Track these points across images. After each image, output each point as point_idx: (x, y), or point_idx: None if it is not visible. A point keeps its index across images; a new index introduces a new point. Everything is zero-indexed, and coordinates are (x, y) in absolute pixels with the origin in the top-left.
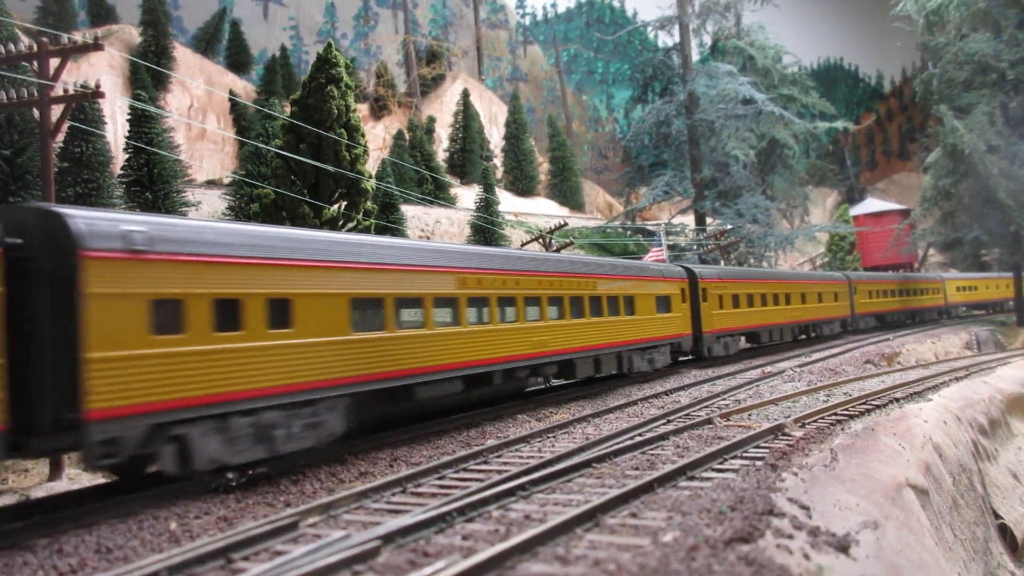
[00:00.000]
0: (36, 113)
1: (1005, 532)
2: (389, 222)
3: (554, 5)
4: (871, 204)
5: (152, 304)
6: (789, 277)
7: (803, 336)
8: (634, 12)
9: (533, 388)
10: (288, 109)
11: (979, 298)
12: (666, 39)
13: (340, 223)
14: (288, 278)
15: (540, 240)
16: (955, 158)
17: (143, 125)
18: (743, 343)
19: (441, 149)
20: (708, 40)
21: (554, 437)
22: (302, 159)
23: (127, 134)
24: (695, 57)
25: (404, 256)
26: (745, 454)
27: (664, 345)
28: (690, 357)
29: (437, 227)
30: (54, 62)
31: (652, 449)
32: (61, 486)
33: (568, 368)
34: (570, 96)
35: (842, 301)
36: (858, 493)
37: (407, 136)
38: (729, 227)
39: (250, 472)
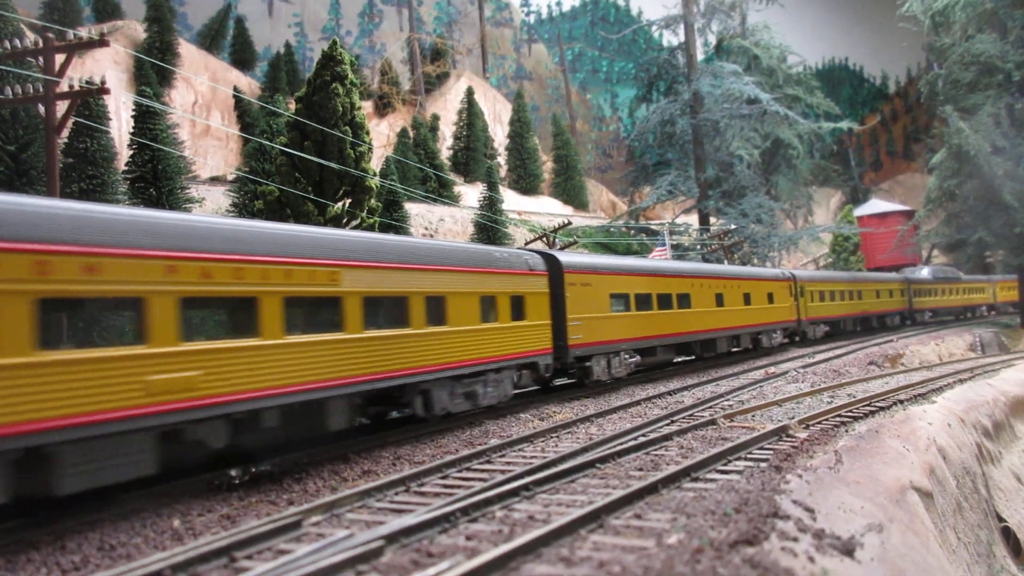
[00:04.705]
0: (41, 109)
1: (1008, 535)
2: (393, 220)
3: (559, 3)
4: (875, 205)
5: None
6: (861, 279)
7: (871, 326)
8: (639, 11)
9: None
10: (292, 106)
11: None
12: (671, 38)
13: (344, 221)
14: (628, 283)
15: (544, 239)
16: (960, 159)
17: (147, 121)
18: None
19: (445, 147)
20: (713, 39)
21: (557, 437)
22: (306, 156)
23: (132, 130)
24: (700, 56)
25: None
26: (749, 455)
27: (780, 328)
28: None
29: (441, 225)
30: (59, 58)
31: (656, 450)
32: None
33: (734, 340)
34: (574, 95)
35: (902, 297)
36: (862, 495)
37: (411, 134)
38: (733, 227)
39: (253, 470)
